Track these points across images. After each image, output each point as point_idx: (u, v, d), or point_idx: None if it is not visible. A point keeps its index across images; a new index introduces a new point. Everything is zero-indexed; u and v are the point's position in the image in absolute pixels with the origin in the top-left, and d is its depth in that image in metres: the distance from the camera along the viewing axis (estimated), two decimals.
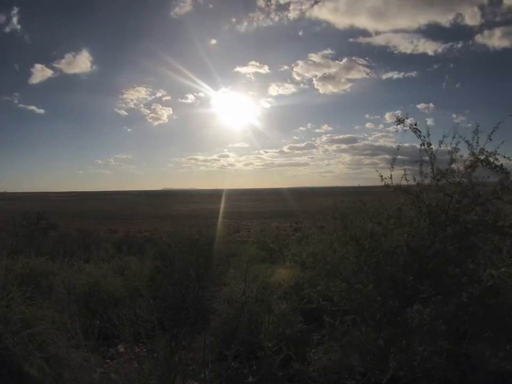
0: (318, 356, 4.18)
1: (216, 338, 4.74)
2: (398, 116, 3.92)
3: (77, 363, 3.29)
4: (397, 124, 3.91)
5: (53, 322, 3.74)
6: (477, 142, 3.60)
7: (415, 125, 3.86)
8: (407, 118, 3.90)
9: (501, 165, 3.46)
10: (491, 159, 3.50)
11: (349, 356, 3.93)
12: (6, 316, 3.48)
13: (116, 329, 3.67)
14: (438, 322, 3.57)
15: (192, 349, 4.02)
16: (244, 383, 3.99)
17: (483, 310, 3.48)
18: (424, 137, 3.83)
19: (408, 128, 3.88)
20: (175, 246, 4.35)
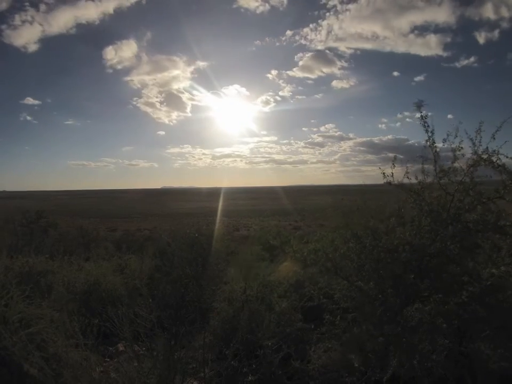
0: (318, 354, 4.18)
1: (215, 337, 4.73)
2: (416, 102, 3.92)
3: (76, 362, 3.28)
4: (416, 109, 3.90)
5: (52, 321, 3.72)
6: (480, 142, 3.60)
7: (426, 117, 3.85)
8: (423, 105, 3.89)
9: (503, 164, 3.45)
10: (494, 159, 3.49)
11: (349, 353, 3.93)
12: (5, 315, 3.47)
13: (115, 328, 3.66)
14: (438, 321, 3.56)
15: (192, 347, 4.02)
16: (244, 382, 3.98)
17: (483, 309, 3.47)
18: (432, 132, 3.83)
19: (420, 118, 3.87)
20: (175, 244, 4.33)
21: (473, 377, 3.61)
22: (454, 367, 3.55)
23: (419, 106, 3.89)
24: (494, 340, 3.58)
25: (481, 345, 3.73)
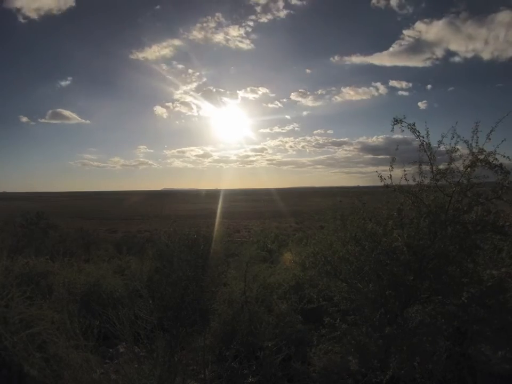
0: (318, 356, 4.17)
1: (216, 338, 4.73)
2: (396, 117, 3.89)
3: (76, 363, 3.28)
4: (394, 124, 3.88)
5: (52, 322, 3.72)
6: (476, 142, 3.58)
7: (414, 125, 3.83)
8: (404, 118, 3.87)
9: (500, 164, 3.44)
10: (490, 159, 3.48)
11: (349, 356, 3.93)
12: (5, 316, 3.47)
13: (116, 330, 3.66)
14: (438, 322, 3.56)
15: (192, 349, 4.02)
16: (244, 383, 3.99)
17: (483, 310, 3.47)
18: (423, 137, 3.81)
19: (406, 128, 3.86)
20: (174, 245, 4.32)
21: (474, 378, 3.61)
22: (455, 368, 3.55)
23: (397, 121, 3.87)
24: (494, 341, 3.57)
25: (482, 346, 3.73)
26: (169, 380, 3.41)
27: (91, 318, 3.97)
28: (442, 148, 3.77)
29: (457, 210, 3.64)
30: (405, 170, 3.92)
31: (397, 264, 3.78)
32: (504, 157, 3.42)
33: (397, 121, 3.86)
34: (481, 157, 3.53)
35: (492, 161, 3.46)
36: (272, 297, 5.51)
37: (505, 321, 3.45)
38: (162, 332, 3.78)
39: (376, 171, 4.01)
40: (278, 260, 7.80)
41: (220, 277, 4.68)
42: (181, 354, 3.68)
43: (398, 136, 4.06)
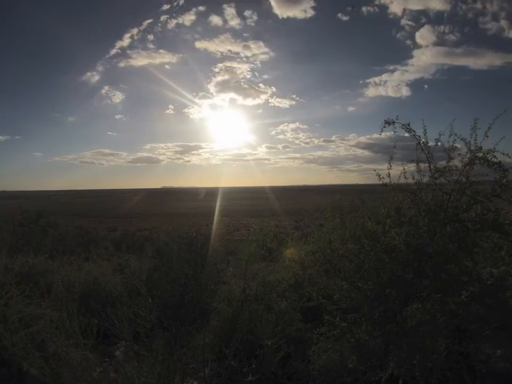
0: (318, 354, 4.18)
1: (215, 336, 4.73)
2: (387, 118, 3.80)
3: (76, 362, 3.28)
4: (384, 126, 3.82)
5: (52, 321, 3.73)
6: (475, 140, 3.57)
7: (408, 125, 3.80)
8: (397, 119, 3.81)
9: (499, 162, 3.42)
10: (489, 156, 3.46)
11: (349, 354, 3.93)
12: (4, 315, 3.47)
13: (115, 328, 3.66)
14: (438, 320, 3.56)
15: (192, 347, 4.02)
16: (244, 382, 3.98)
17: (483, 309, 3.47)
18: (419, 136, 3.78)
19: (400, 128, 3.82)
20: (173, 244, 4.33)
21: (473, 377, 3.62)
22: (454, 367, 3.55)
23: (389, 123, 3.80)
24: (494, 340, 3.58)
25: (481, 345, 3.74)
26: (168, 378, 3.41)
27: (90, 316, 3.97)
28: (440, 144, 3.76)
29: (456, 208, 3.63)
30: (404, 168, 3.91)
31: (396, 263, 3.77)
32: (503, 154, 3.40)
33: (388, 123, 3.80)
34: (480, 154, 3.52)
35: (491, 159, 3.44)
36: (272, 296, 5.51)
37: (504, 320, 3.45)
38: (162, 330, 3.78)
39: (375, 169, 3.98)
40: (277, 258, 7.82)
41: (219, 275, 4.68)
42: (180, 353, 3.68)
43: (398, 133, 4.03)
